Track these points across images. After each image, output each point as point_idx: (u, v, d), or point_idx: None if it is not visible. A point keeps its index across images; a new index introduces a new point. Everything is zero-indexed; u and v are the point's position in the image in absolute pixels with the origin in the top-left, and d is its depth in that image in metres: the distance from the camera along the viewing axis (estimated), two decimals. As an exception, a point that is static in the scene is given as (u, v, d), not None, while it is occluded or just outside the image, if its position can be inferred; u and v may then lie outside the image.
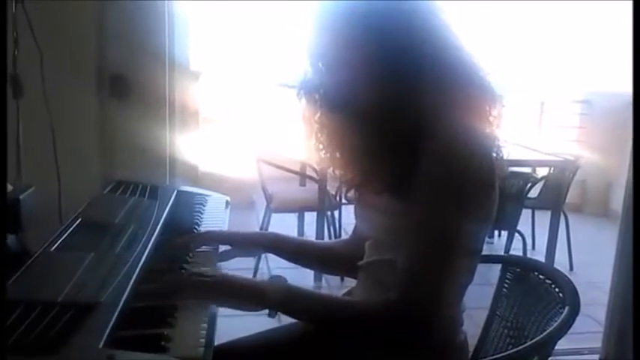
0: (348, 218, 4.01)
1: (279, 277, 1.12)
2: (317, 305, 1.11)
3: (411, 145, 1.07)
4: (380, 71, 1.09)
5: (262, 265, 3.51)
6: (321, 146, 1.25)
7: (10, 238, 1.20)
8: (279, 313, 1.10)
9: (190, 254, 1.29)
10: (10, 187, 1.30)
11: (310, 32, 1.14)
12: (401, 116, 1.09)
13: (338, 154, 1.24)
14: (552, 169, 4.00)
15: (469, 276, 1.20)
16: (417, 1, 1.11)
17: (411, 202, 1.06)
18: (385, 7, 1.08)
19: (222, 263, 1.34)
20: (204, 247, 1.36)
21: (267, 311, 1.09)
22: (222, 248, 1.39)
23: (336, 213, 3.92)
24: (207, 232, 1.42)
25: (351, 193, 1.31)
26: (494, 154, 1.14)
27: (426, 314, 1.02)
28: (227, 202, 1.71)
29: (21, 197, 1.25)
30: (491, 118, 1.15)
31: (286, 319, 1.16)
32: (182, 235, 1.37)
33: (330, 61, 1.13)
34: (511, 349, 1.36)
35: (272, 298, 1.07)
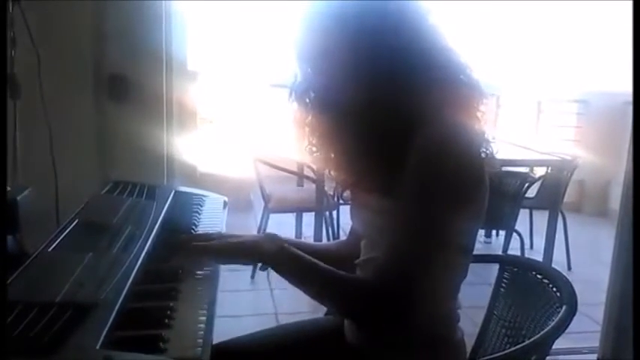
0: (346, 218, 3.99)
1: (274, 234, 1.19)
2: (304, 266, 1.13)
3: (401, 145, 1.08)
4: (369, 72, 1.09)
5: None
6: (314, 149, 1.26)
7: (8, 239, 1.20)
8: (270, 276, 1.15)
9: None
10: (7, 188, 1.30)
11: (298, 35, 1.15)
12: (390, 116, 1.10)
13: (331, 156, 1.24)
14: (550, 168, 4.00)
15: (461, 272, 1.20)
16: (404, 1, 1.12)
17: (401, 199, 1.06)
18: (372, 8, 1.09)
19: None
20: None
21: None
22: None
23: (334, 213, 3.92)
24: (205, 235, 1.41)
25: (347, 193, 1.32)
26: (484, 150, 1.15)
27: (398, 298, 1.03)
28: (225, 203, 1.71)
29: (18, 198, 1.25)
30: (479, 114, 1.16)
31: (284, 319, 1.16)
32: (179, 235, 1.37)
33: (318, 63, 1.14)
34: (509, 348, 1.36)
35: (267, 251, 1.14)
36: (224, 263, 1.21)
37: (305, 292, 1.13)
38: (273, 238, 1.18)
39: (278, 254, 1.14)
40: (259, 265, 1.17)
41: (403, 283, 1.03)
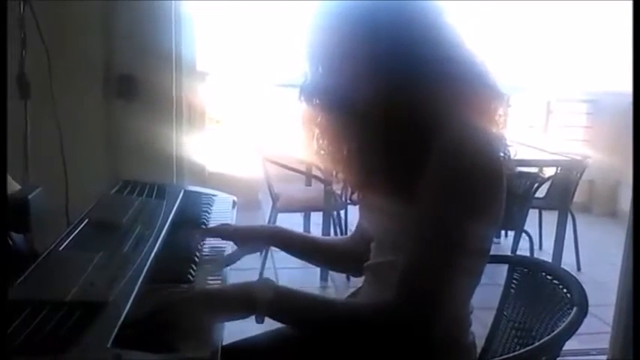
0: (354, 218, 3.99)
1: (267, 279, 1.07)
2: (310, 304, 1.06)
3: (417, 145, 1.06)
4: (382, 71, 1.07)
5: (269, 264, 3.52)
6: (322, 151, 1.24)
7: (19, 238, 1.20)
8: (267, 319, 1.03)
9: (197, 254, 1.29)
10: (17, 187, 1.31)
11: (310, 33, 1.13)
12: (404, 116, 1.08)
13: (341, 157, 1.22)
14: (559, 168, 3.98)
15: (477, 277, 1.18)
16: (417, 0, 1.11)
17: (416, 201, 1.05)
18: (385, 7, 1.07)
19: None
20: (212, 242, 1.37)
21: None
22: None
23: (342, 213, 3.92)
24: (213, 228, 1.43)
25: (355, 195, 1.30)
26: (502, 154, 1.13)
27: (425, 314, 1.00)
28: (234, 202, 1.71)
29: (29, 197, 1.26)
30: (497, 117, 1.14)
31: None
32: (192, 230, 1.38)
33: (330, 62, 1.12)
34: (519, 349, 1.35)
35: (261, 298, 1.01)
36: (211, 320, 0.98)
37: (316, 332, 1.07)
38: (266, 283, 1.04)
39: (274, 298, 1.01)
40: (255, 317, 1.01)
41: (430, 299, 1.00)
